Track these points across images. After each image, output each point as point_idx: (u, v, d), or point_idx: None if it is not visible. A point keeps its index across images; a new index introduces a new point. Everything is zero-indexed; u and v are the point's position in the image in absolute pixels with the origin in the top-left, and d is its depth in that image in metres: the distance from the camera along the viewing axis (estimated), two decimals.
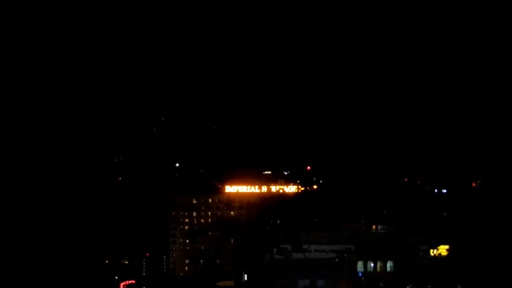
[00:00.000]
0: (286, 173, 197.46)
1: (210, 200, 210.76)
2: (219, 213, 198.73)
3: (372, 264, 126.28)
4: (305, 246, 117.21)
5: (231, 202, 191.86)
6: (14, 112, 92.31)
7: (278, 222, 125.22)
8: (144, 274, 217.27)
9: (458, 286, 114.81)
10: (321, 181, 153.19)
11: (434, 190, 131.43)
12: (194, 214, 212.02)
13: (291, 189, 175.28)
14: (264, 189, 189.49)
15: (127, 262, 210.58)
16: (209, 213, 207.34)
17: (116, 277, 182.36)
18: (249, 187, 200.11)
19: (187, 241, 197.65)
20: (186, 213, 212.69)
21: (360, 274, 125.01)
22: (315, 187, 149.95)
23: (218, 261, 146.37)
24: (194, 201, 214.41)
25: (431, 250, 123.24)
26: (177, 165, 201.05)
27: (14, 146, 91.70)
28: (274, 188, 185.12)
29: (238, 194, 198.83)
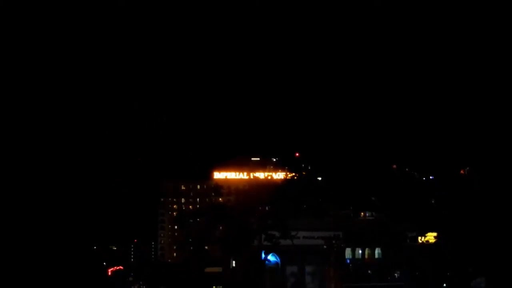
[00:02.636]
0: (274, 159, 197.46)
1: (198, 187, 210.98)
2: (207, 200, 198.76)
3: (360, 251, 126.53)
4: (293, 233, 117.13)
5: (220, 188, 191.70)
6: (13, 111, 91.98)
7: (267, 208, 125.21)
8: (132, 260, 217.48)
9: (447, 273, 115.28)
10: (309, 168, 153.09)
11: (422, 177, 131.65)
12: (183, 200, 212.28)
13: (280, 175, 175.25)
14: (253, 175, 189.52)
15: (115, 248, 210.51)
16: (198, 199, 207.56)
17: (104, 263, 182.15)
18: (237, 173, 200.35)
19: (176, 227, 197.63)
20: (174, 200, 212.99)
21: (348, 261, 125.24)
22: (303, 173, 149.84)
23: (206, 247, 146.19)
24: (183, 187, 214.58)
25: (419, 238, 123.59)
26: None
27: (12, 144, 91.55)
28: (262, 175, 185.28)
29: (226, 180, 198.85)
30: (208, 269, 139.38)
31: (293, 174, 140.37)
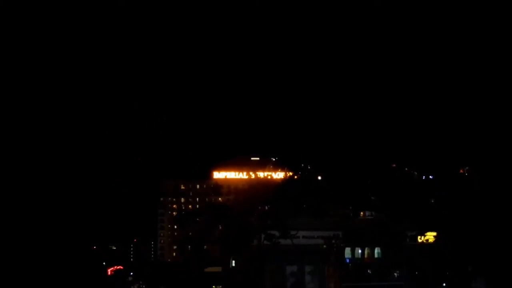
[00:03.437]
0: (274, 159, 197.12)
1: (198, 186, 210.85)
2: (207, 199, 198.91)
3: (359, 251, 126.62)
4: (293, 232, 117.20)
5: (219, 188, 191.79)
6: (13, 110, 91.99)
7: (266, 208, 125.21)
8: (132, 260, 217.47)
9: (447, 273, 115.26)
10: (309, 167, 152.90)
11: (422, 177, 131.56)
12: (182, 200, 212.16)
13: (279, 175, 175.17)
14: (252, 175, 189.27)
15: (114, 248, 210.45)
16: (197, 199, 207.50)
17: (104, 263, 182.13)
18: (237, 173, 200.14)
19: (175, 226, 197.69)
20: (174, 199, 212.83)
21: (347, 261, 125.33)
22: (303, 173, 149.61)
23: (206, 247, 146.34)
24: (182, 187, 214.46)
25: (419, 237, 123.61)
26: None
27: (12, 144, 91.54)
28: (262, 174, 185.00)
29: (226, 180, 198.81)
30: (207, 269, 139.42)
31: (293, 173, 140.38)
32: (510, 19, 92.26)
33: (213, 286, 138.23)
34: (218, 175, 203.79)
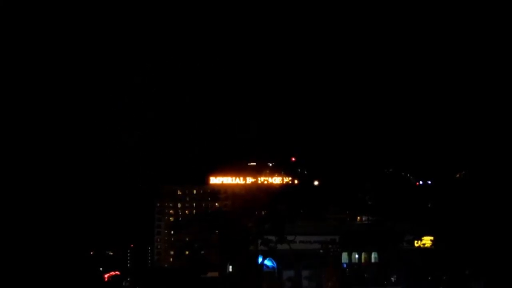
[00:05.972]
0: (270, 164, 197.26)
1: (195, 191, 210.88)
2: (204, 205, 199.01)
3: (356, 255, 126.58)
4: (290, 237, 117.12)
5: (216, 193, 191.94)
6: (12, 104, 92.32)
7: (263, 213, 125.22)
8: (128, 265, 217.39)
9: (444, 278, 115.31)
10: (305, 172, 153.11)
11: (419, 181, 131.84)
12: (179, 205, 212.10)
13: (276, 180, 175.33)
14: (249, 180, 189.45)
15: (111, 253, 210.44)
16: (194, 204, 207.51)
17: (101, 269, 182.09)
18: (233, 178, 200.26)
19: (172, 232, 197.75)
20: (171, 204, 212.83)
21: (344, 265, 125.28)
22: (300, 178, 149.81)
23: (203, 252, 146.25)
24: (179, 192, 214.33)
25: (416, 241, 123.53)
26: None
27: (10, 153, 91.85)
28: (259, 179, 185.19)
29: (223, 185, 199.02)
30: (204, 275, 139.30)
31: (290, 178, 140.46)
32: (510, 21, 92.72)
33: None
34: (215, 180, 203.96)
